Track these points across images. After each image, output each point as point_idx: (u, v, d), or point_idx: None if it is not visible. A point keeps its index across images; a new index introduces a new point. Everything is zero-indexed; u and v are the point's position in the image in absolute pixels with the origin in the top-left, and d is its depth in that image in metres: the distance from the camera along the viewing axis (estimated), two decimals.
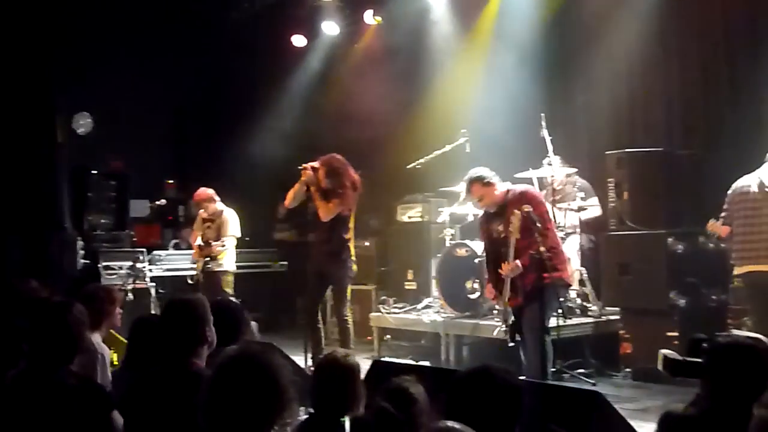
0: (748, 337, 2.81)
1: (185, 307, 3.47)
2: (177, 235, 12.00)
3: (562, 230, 7.76)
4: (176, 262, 10.30)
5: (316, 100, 10.85)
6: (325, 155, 7.21)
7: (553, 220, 6.70)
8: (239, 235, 8.87)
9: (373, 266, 9.83)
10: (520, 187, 6.18)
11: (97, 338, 4.59)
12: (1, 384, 3.28)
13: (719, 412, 2.60)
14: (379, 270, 9.84)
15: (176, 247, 11.55)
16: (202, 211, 9.00)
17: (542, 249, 5.37)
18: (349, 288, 7.25)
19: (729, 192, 6.31)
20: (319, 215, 7.15)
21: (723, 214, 6.33)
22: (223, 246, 8.57)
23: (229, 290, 8.65)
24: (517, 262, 5.70)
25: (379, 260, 9.94)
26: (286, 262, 11.17)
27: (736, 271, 6.30)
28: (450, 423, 2.22)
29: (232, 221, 8.80)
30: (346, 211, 7.16)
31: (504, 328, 6.14)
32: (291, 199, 7.24)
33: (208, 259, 8.70)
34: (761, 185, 6.08)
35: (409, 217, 9.44)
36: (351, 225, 7.24)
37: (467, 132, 8.11)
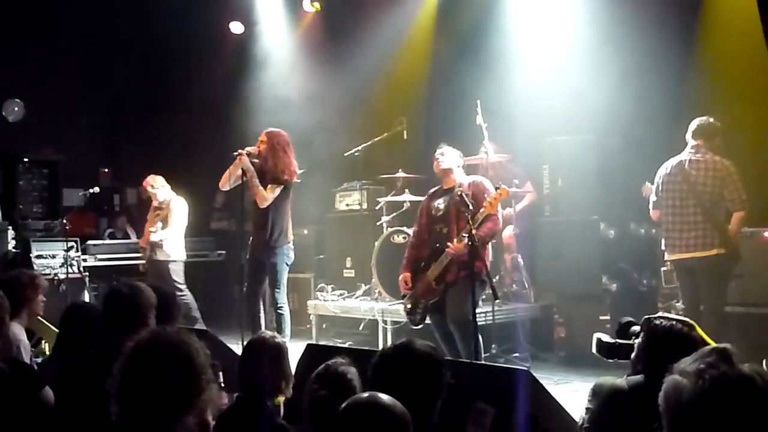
0: (679, 320, 2.89)
1: (127, 292, 3.47)
2: (112, 224, 11.87)
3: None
4: (111, 251, 10.15)
5: (253, 86, 10.77)
6: (273, 130, 7.16)
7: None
8: (185, 223, 8.80)
9: (312, 254, 9.84)
10: (477, 177, 6.34)
11: (15, 327, 4.41)
12: None
13: (649, 388, 2.70)
14: (317, 258, 9.86)
15: (111, 236, 11.41)
16: (154, 199, 8.93)
17: (474, 233, 5.43)
18: (286, 275, 7.23)
19: (656, 177, 6.41)
20: (256, 202, 7.12)
21: (653, 198, 6.46)
22: (156, 233, 8.51)
23: (178, 279, 8.61)
24: (465, 241, 5.69)
25: (317, 248, 9.95)
26: (223, 252, 11.10)
27: (667, 257, 6.45)
28: (374, 393, 2.24)
29: (177, 210, 8.73)
30: (284, 197, 7.13)
31: (410, 310, 6.19)
32: (225, 180, 7.19)
33: (153, 248, 8.65)
34: (686, 173, 6.19)
35: (347, 205, 9.45)
36: (288, 212, 7.22)
37: (405, 120, 8.12)
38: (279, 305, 7.12)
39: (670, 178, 6.28)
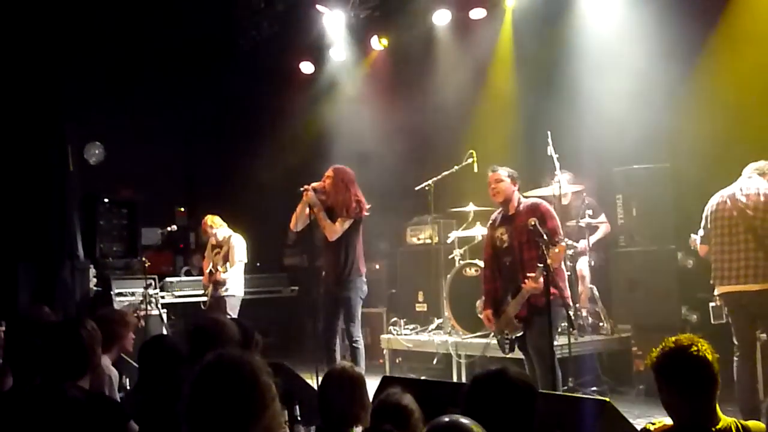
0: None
1: (212, 326, 3.56)
2: (188, 261, 12.09)
3: (572, 248, 7.80)
4: (187, 288, 10.35)
5: (324, 123, 10.94)
6: (338, 166, 7.25)
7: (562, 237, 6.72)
8: (246, 260, 9.01)
9: (384, 289, 9.89)
10: (533, 199, 6.22)
11: (106, 360, 4.63)
12: (17, 398, 3.33)
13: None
14: (389, 292, 9.90)
15: (187, 273, 11.62)
16: (212, 238, 9.12)
17: (550, 262, 5.38)
18: (360, 309, 7.25)
19: (706, 208, 6.24)
20: (326, 236, 7.18)
21: (701, 233, 6.28)
22: (225, 272, 8.74)
23: (233, 314, 8.74)
24: (541, 280, 5.64)
25: (389, 282, 9.99)
26: (296, 288, 11.20)
27: (716, 291, 6.15)
28: (455, 416, 2.23)
29: (238, 247, 8.94)
30: (355, 231, 7.18)
31: (500, 339, 6.13)
32: (295, 221, 7.27)
33: (215, 286, 8.85)
34: (735, 200, 5.97)
35: (419, 239, 9.49)
36: (360, 245, 7.26)
37: (474, 152, 8.14)
38: (354, 339, 7.13)
39: (719, 207, 6.06)
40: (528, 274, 5.73)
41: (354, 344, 7.13)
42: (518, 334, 6.01)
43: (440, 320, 8.68)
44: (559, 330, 6.72)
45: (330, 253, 7.22)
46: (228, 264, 8.84)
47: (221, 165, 12.75)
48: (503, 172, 6.13)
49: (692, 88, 7.75)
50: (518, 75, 9.48)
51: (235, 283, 8.89)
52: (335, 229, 7.09)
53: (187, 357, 3.63)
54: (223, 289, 8.80)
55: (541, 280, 5.55)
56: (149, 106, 12.21)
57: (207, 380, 2.22)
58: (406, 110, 10.23)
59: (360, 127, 10.43)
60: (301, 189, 7.09)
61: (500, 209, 6.26)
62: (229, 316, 8.42)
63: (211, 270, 8.92)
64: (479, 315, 7.85)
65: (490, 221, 6.38)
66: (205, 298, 9.15)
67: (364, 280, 7.25)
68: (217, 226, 9.05)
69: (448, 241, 8.80)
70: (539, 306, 5.69)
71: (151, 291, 9.52)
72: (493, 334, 6.32)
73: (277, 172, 11.41)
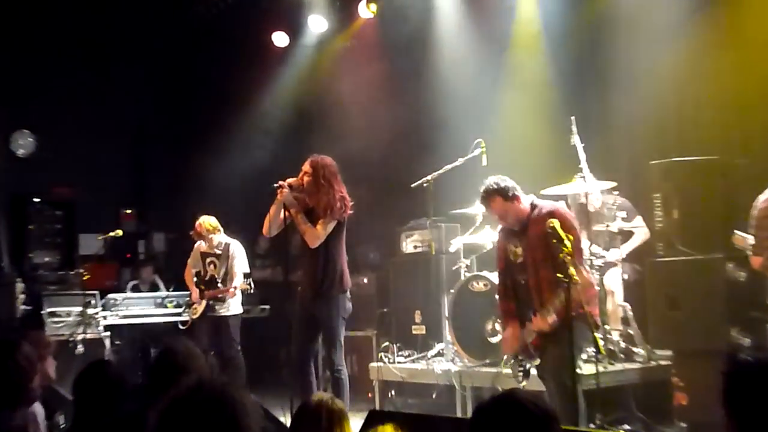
0: None
1: (183, 354, 3.55)
2: (136, 274, 12.04)
3: (600, 258, 7.78)
4: (135, 307, 10.30)
5: (302, 109, 10.92)
6: (318, 158, 7.20)
7: (584, 248, 6.70)
8: (248, 271, 9.27)
9: (373, 307, 9.87)
10: (547, 204, 6.07)
11: None
12: None
13: None
14: (379, 311, 9.86)
15: (135, 289, 11.57)
16: (200, 243, 9.15)
17: (572, 272, 5.34)
18: (343, 331, 7.22)
19: (752, 210, 6.20)
20: (304, 244, 7.13)
21: (751, 242, 6.24)
22: (235, 288, 8.96)
23: (237, 337, 9.06)
24: (554, 317, 5.62)
25: (380, 299, 9.97)
26: (267, 306, 11.16)
27: None
28: None
29: (241, 256, 9.19)
30: (337, 236, 7.14)
31: (514, 367, 6.11)
32: (268, 226, 7.22)
33: (212, 302, 9.00)
34: None
35: (415, 247, 9.46)
36: (343, 254, 7.22)
37: (483, 142, 8.12)
38: (336, 368, 7.08)
39: None
40: (542, 307, 5.72)
41: (336, 374, 7.10)
42: (534, 363, 6.01)
43: (441, 345, 8.64)
44: (585, 357, 6.68)
45: (307, 263, 7.17)
46: (228, 277, 9.05)
47: (177, 159, 12.74)
48: (493, 199, 5.98)
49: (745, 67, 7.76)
50: (538, 50, 9.45)
51: (236, 300, 9.14)
52: (317, 234, 7.04)
53: (144, 388, 3.60)
54: (222, 305, 8.96)
55: (552, 318, 5.57)
56: (90, 89, 12.17)
57: (176, 417, 2.19)
58: (399, 92, 10.21)
59: (344, 113, 10.41)
60: (275, 186, 7.03)
61: None
62: (233, 342, 8.75)
63: (201, 282, 8.98)
64: (489, 339, 7.86)
65: (501, 230, 6.35)
66: (182, 318, 9.20)
67: (348, 296, 7.22)
68: (214, 231, 9.11)
69: (451, 249, 8.77)
70: (560, 324, 5.66)
71: (91, 310, 9.46)
72: (504, 360, 6.29)
73: (245, 167, 11.40)
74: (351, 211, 7.18)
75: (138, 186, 13.43)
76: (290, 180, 7.09)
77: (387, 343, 9.14)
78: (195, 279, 9.22)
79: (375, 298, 10.01)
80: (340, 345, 7.14)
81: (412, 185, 8.37)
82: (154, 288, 11.81)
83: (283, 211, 7.02)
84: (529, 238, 5.88)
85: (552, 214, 5.82)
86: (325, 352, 7.21)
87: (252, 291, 9.13)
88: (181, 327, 9.31)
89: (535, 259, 5.83)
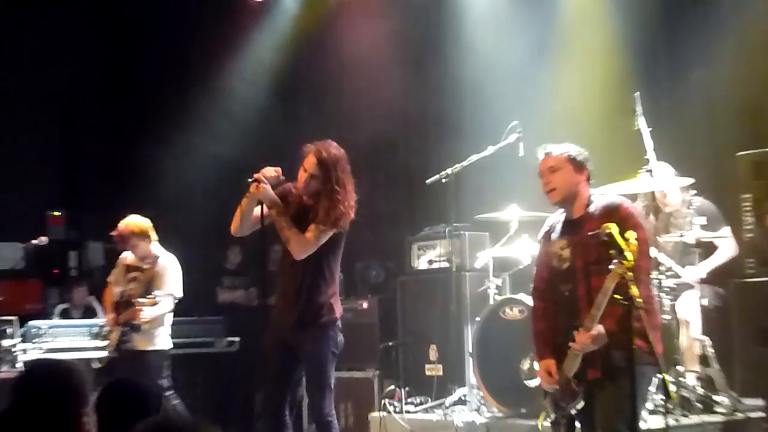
0: None
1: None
2: (66, 296, 12.03)
3: (672, 277, 7.79)
4: (65, 337, 10.26)
5: (283, 82, 10.94)
6: (327, 146, 7.00)
7: (653, 259, 6.71)
8: (180, 294, 8.94)
9: (374, 340, 9.85)
10: (612, 198, 6.08)
11: None
12: None
13: None
14: (383, 345, 9.83)
15: (64, 314, 11.56)
16: (125, 254, 9.03)
17: (634, 293, 5.35)
18: (333, 371, 7.19)
19: None
20: (284, 257, 7.08)
21: None
22: (155, 305, 8.59)
23: (165, 381, 8.74)
24: (600, 328, 5.63)
25: (384, 330, 9.96)
26: (236, 339, 11.17)
27: None
28: None
29: (171, 272, 8.87)
30: (334, 248, 7.10)
31: (556, 417, 6.08)
32: (238, 223, 7.12)
33: (127, 329, 8.77)
34: None
35: (431, 262, 9.48)
36: (337, 272, 7.20)
37: (520, 126, 8.15)
38: (324, 417, 7.06)
39: None
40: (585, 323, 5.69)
41: (323, 426, 7.06)
42: (578, 406, 5.92)
43: (464, 390, 8.65)
44: (651, 406, 6.68)
45: (288, 281, 7.06)
46: (159, 292, 8.68)
47: (118, 148, 12.73)
48: (562, 152, 6.06)
49: None
50: (596, 9, 9.49)
51: (161, 329, 8.83)
52: (306, 242, 6.88)
53: None
54: (140, 338, 8.73)
55: (598, 332, 5.54)
56: (6, 60, 12.19)
57: None
58: (412, 61, 10.23)
59: (338, 89, 10.44)
60: (249, 181, 6.91)
61: (560, 212, 6.23)
62: (153, 382, 8.51)
63: (119, 305, 8.88)
64: (526, 382, 7.84)
65: (544, 231, 6.32)
66: (102, 353, 9.11)
67: (339, 326, 7.19)
68: (143, 237, 8.96)
69: (478, 264, 8.82)
70: (616, 363, 5.66)
71: (6, 342, 9.46)
72: (545, 408, 6.26)
73: (208, 159, 11.41)
74: (353, 217, 7.13)
75: (68, 182, 13.42)
76: (270, 170, 6.99)
77: (392, 387, 9.17)
78: (115, 301, 9.07)
79: (377, 328, 9.97)
80: (329, 389, 7.07)
81: (428, 181, 8.38)
82: (90, 313, 11.77)
83: (260, 206, 6.93)
84: (584, 236, 5.88)
85: (615, 207, 5.84)
86: (309, 397, 7.17)
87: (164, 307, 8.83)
88: (98, 365, 9.15)
89: (588, 262, 5.82)
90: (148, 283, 8.79)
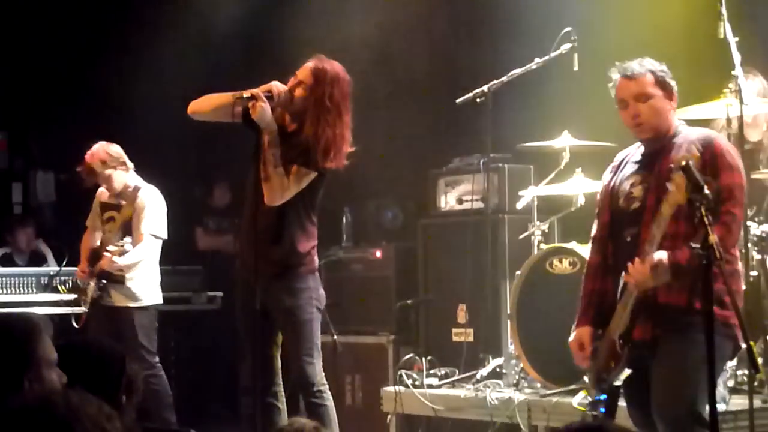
0: None
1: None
2: (9, 238, 12.09)
3: (760, 227, 7.76)
4: (10, 289, 10.32)
5: None
6: (326, 64, 7.02)
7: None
8: (165, 235, 9.05)
9: (390, 297, 9.88)
10: (706, 131, 6.13)
11: None
12: None
13: None
14: (400, 304, 9.85)
15: (6, 259, 11.63)
16: (101, 191, 9.05)
17: (713, 241, 5.29)
18: (319, 331, 7.21)
19: None
20: (264, 192, 7.07)
21: None
22: (123, 253, 8.63)
23: (148, 343, 8.90)
24: (663, 255, 5.60)
25: (402, 285, 9.98)
26: (219, 294, 11.21)
27: None
28: None
29: (153, 208, 8.96)
30: (312, 192, 7.10)
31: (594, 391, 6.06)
32: (202, 106, 7.13)
33: (102, 283, 8.84)
34: None
35: (461, 201, 9.46)
36: (313, 217, 7.20)
37: (575, 33, 8.10)
38: (313, 389, 7.11)
39: None
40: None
41: (313, 398, 7.11)
42: (621, 377, 5.89)
43: (500, 360, 8.69)
44: (731, 383, 6.66)
45: (252, 225, 7.11)
46: (128, 239, 8.81)
47: (74, 62, 12.73)
48: (647, 73, 6.00)
49: None
50: None
51: (145, 282, 8.95)
52: (283, 187, 6.95)
53: None
54: (120, 290, 8.82)
55: (662, 256, 5.46)
56: None
57: None
58: None
59: None
60: (245, 96, 6.89)
61: (636, 145, 6.19)
62: (142, 350, 8.74)
63: (97, 248, 8.92)
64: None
65: (613, 165, 6.30)
66: (79, 308, 9.15)
67: (318, 278, 7.23)
68: (115, 164, 8.94)
69: (519, 205, 8.77)
70: (680, 319, 5.63)
71: None
72: (586, 385, 6.23)
73: (181, 75, 11.39)
74: (346, 162, 7.12)
75: (12, 101, 13.43)
76: (274, 86, 6.92)
77: (411, 356, 9.18)
78: (93, 248, 9.11)
79: (393, 283, 9.98)
80: (317, 352, 7.16)
81: (458, 100, 8.36)
82: (38, 260, 11.88)
83: (242, 106, 6.91)
84: (662, 171, 5.83)
85: (708, 141, 5.82)
86: (294, 365, 7.18)
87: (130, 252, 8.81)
88: (75, 324, 9.23)
89: (660, 201, 5.77)
90: (126, 224, 8.86)
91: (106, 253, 8.65)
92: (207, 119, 7.18)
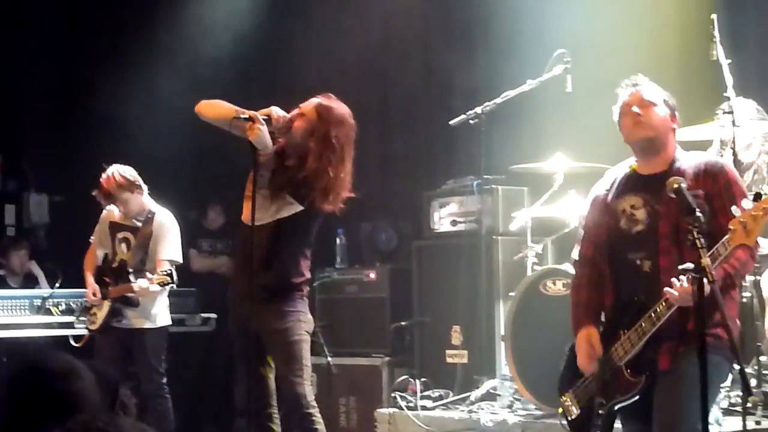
0: None
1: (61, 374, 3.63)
2: (2, 260, 12.08)
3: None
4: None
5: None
6: (332, 102, 6.97)
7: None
8: (181, 259, 9.06)
9: (384, 319, 9.90)
10: (712, 156, 6.18)
11: None
12: None
13: None
14: (395, 326, 9.87)
15: (0, 283, 11.62)
16: (110, 209, 9.05)
17: (705, 264, 5.30)
18: (308, 354, 7.20)
19: None
20: (246, 214, 7.06)
21: None
22: (163, 283, 8.55)
23: (159, 364, 8.92)
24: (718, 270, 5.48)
25: (397, 307, 10.00)
26: (212, 316, 11.22)
27: None
28: None
29: (171, 233, 8.96)
30: (309, 221, 7.10)
31: (574, 416, 6.06)
32: (207, 109, 7.13)
33: (118, 305, 8.83)
34: None
35: (455, 223, 9.49)
36: (310, 242, 7.20)
37: (568, 54, 8.13)
38: (303, 410, 7.11)
39: None
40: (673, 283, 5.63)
41: (304, 417, 7.10)
42: (625, 401, 5.89)
43: (494, 382, 8.72)
44: (725, 401, 6.68)
45: (245, 248, 7.10)
46: (146, 266, 8.79)
47: (69, 83, 12.73)
48: (655, 93, 6.03)
49: None
50: None
51: (159, 302, 8.94)
52: (260, 208, 6.84)
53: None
54: (135, 314, 8.82)
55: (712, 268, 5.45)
56: None
57: None
58: None
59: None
60: (242, 117, 6.82)
61: (625, 164, 6.19)
62: (153, 372, 8.76)
63: (106, 271, 8.94)
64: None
65: (602, 185, 6.28)
66: (78, 330, 9.21)
67: (306, 301, 7.21)
68: (133, 189, 8.96)
69: (513, 226, 8.82)
70: (689, 347, 5.64)
71: None
72: (562, 403, 6.22)
73: (182, 94, 11.40)
74: (342, 206, 7.12)
75: (6, 123, 13.42)
76: (278, 111, 6.95)
77: (406, 377, 9.20)
78: (99, 266, 9.14)
79: (387, 305, 10.00)
80: (306, 373, 7.15)
81: (451, 122, 8.38)
82: (31, 282, 11.87)
83: (239, 125, 6.89)
84: (666, 195, 5.83)
85: (718, 167, 5.78)
86: (282, 384, 7.19)
87: (175, 285, 8.87)
88: (74, 344, 9.26)
89: (678, 228, 5.77)
90: (144, 247, 8.88)
91: (140, 280, 8.54)
92: (209, 123, 7.17)
